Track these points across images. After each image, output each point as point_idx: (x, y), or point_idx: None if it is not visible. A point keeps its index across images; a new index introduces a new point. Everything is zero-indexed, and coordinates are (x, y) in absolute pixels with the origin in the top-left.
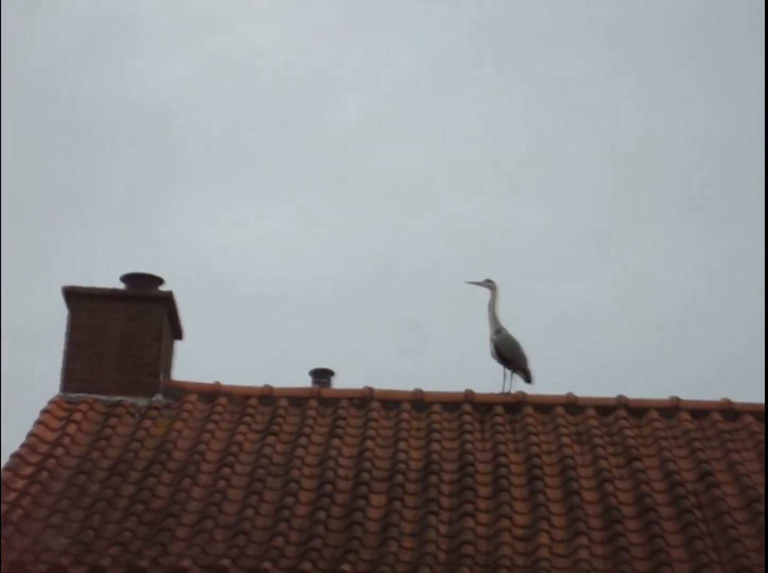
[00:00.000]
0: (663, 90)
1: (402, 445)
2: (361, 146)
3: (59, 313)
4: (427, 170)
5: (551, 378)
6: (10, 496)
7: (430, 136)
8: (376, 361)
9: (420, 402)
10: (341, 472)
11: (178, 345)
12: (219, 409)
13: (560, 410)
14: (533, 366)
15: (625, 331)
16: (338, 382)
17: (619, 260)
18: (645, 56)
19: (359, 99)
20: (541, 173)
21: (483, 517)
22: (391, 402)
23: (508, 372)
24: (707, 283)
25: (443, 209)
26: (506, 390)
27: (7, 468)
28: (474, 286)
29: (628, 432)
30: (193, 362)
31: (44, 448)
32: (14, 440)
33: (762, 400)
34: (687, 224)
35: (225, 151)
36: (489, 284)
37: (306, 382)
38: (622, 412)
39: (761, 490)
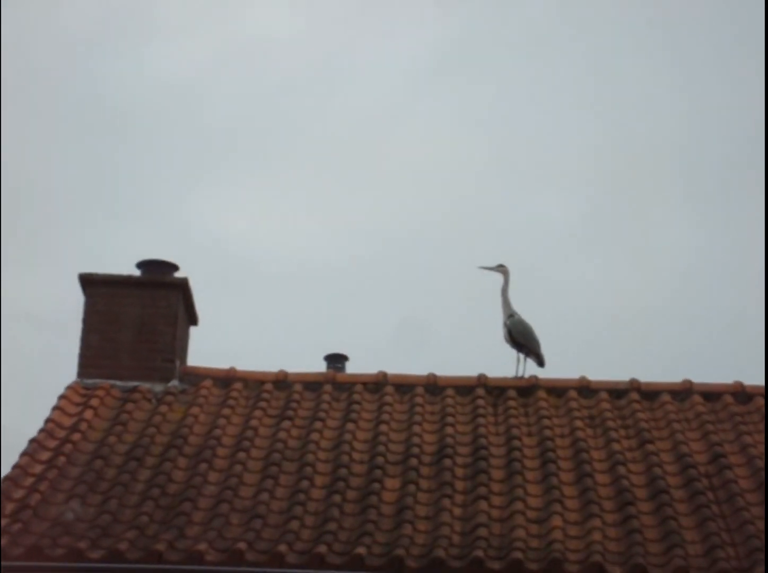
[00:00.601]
0: (666, 73)
1: (416, 429)
2: (375, 131)
3: (75, 299)
4: (437, 155)
5: (564, 362)
6: (28, 481)
7: (440, 121)
8: (390, 346)
9: (433, 386)
10: (356, 456)
11: (193, 331)
12: (234, 394)
13: (573, 394)
14: (546, 350)
15: (637, 315)
16: (352, 367)
17: (628, 243)
18: (650, 40)
19: (372, 84)
20: (548, 158)
21: (497, 500)
22: (404, 386)
23: (521, 356)
24: (717, 265)
25: (453, 194)
26: (519, 374)
27: (25, 453)
28: (486, 271)
29: (640, 415)
30: (208, 348)
31: (61, 434)
32: (32, 426)
33: None
34: (694, 206)
35: (240, 136)
36: (501, 269)
37: (320, 367)
38: (635, 396)
39: None
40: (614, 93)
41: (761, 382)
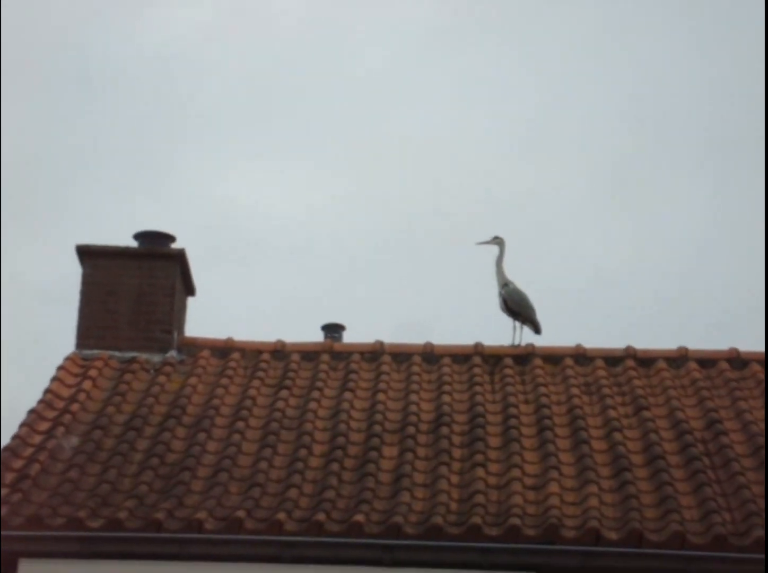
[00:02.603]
0: (678, 41)
1: (413, 397)
2: (380, 99)
3: (73, 271)
4: (445, 125)
5: (560, 329)
6: (28, 451)
7: (448, 89)
8: (389, 315)
9: (430, 355)
10: (353, 424)
11: (191, 301)
12: (232, 364)
13: (569, 361)
14: (542, 317)
15: (633, 282)
16: (349, 337)
17: (630, 212)
18: (657, 6)
19: (377, 51)
20: (553, 128)
21: (494, 467)
22: (401, 355)
23: (518, 324)
24: (714, 233)
25: (460, 165)
26: (516, 342)
27: (24, 423)
28: (483, 245)
29: (636, 382)
30: (206, 318)
31: (60, 404)
32: (31, 397)
33: None
34: (697, 175)
35: (242, 102)
36: (496, 240)
37: (318, 337)
38: (631, 363)
39: None
40: (621, 62)
41: (756, 348)
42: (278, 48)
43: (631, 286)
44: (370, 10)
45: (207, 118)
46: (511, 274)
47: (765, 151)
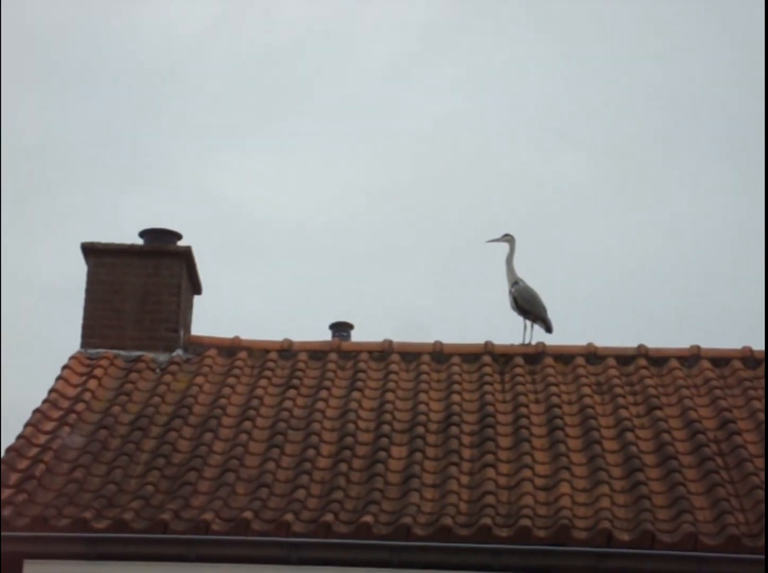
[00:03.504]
0: (687, 32)
1: (422, 397)
2: (386, 91)
3: (79, 268)
4: (453, 115)
5: (573, 327)
6: (32, 451)
7: (456, 80)
8: (398, 313)
9: (439, 354)
10: (362, 424)
11: (197, 299)
12: (239, 363)
13: (580, 360)
14: (554, 315)
15: (646, 280)
16: (357, 336)
17: (643, 209)
18: (673, 2)
19: (385, 42)
20: (567, 120)
21: (504, 468)
22: (410, 354)
23: (528, 323)
24: (730, 230)
25: (470, 156)
26: (526, 341)
27: (29, 423)
28: (494, 243)
29: (648, 381)
30: (212, 317)
31: (65, 404)
32: (36, 396)
33: None
34: (714, 169)
35: (247, 96)
36: (507, 238)
37: (325, 335)
38: (643, 362)
39: None
40: (630, 52)
41: None
42: (284, 43)
43: (644, 283)
44: (376, 1)
45: (213, 114)
46: (522, 272)
47: (765, 157)
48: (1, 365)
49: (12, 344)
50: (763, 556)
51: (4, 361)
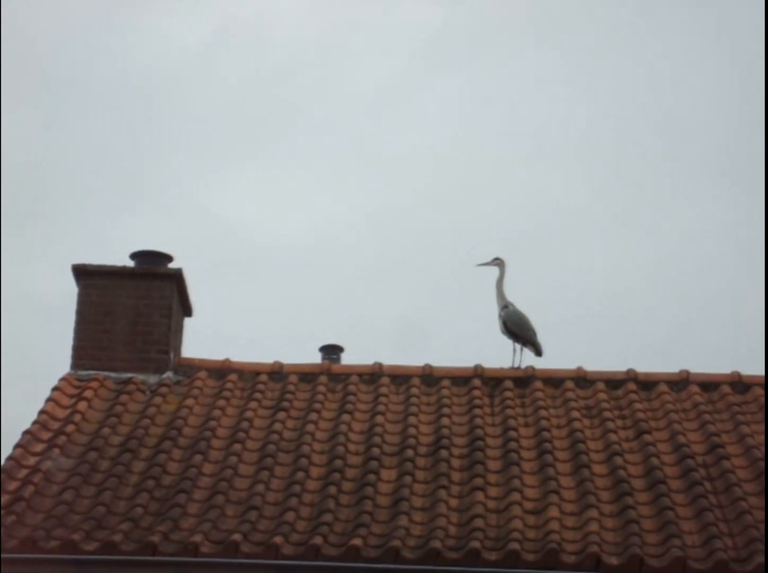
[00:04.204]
0: (681, 50)
1: (412, 420)
2: (380, 112)
3: (71, 288)
4: (447, 137)
5: (563, 351)
6: (22, 473)
7: (450, 101)
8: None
9: (429, 377)
10: (352, 447)
11: (188, 321)
12: (229, 385)
13: (570, 384)
14: (543, 339)
15: (636, 305)
16: (348, 358)
17: (639, 231)
18: (673, 21)
19: (377, 61)
20: (563, 140)
21: (493, 491)
22: (400, 377)
23: (518, 346)
24: (719, 255)
25: (464, 177)
26: (516, 365)
27: (19, 445)
28: (484, 267)
29: (637, 405)
30: (203, 339)
31: (55, 426)
32: (25, 418)
33: None
34: (704, 196)
35: (239, 117)
36: (497, 262)
37: (315, 358)
38: (632, 386)
39: None
40: (624, 72)
41: (759, 371)
42: (277, 64)
43: (633, 308)
44: (370, 19)
45: (206, 135)
46: (512, 295)
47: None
48: (1, 382)
49: (2, 364)
50: None
51: None
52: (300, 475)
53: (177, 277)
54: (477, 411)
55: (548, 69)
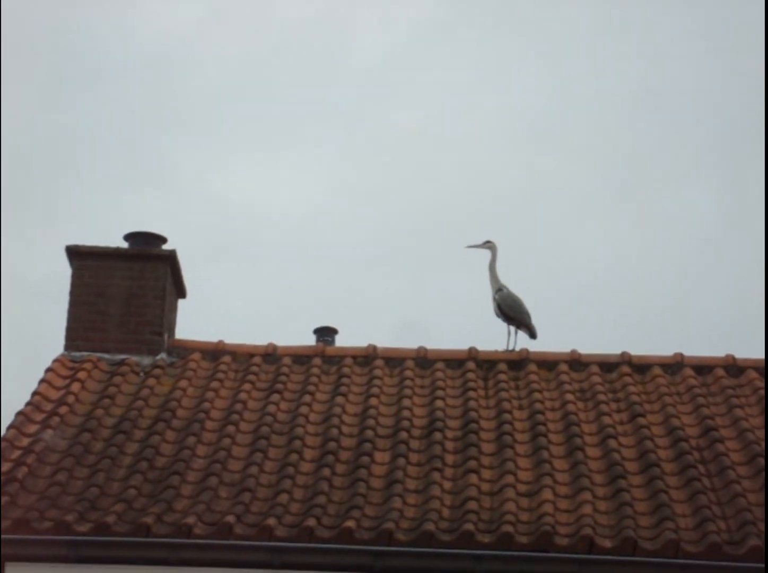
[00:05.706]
0: (681, 36)
1: (406, 402)
2: (378, 95)
3: (64, 269)
4: (446, 121)
5: (557, 334)
6: (15, 454)
7: (450, 84)
8: (383, 317)
9: (423, 360)
10: (345, 429)
11: (182, 303)
12: (223, 367)
13: (564, 367)
14: (538, 322)
15: (631, 286)
16: (342, 341)
17: (631, 213)
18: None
19: (376, 40)
20: (556, 122)
21: (487, 474)
22: (394, 360)
23: (512, 329)
24: (718, 236)
25: (459, 157)
26: (510, 347)
27: (12, 426)
28: (474, 249)
29: (631, 388)
30: (197, 320)
31: (48, 407)
32: (19, 399)
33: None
34: (702, 176)
35: (237, 94)
36: (488, 245)
37: (310, 340)
38: (626, 369)
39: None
40: (630, 56)
41: (753, 355)
42: (275, 41)
43: (628, 290)
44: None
45: (201, 116)
46: (505, 278)
47: (765, 165)
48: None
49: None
50: (743, 564)
51: None
52: (294, 457)
53: (171, 258)
54: (471, 393)
55: (538, 52)
